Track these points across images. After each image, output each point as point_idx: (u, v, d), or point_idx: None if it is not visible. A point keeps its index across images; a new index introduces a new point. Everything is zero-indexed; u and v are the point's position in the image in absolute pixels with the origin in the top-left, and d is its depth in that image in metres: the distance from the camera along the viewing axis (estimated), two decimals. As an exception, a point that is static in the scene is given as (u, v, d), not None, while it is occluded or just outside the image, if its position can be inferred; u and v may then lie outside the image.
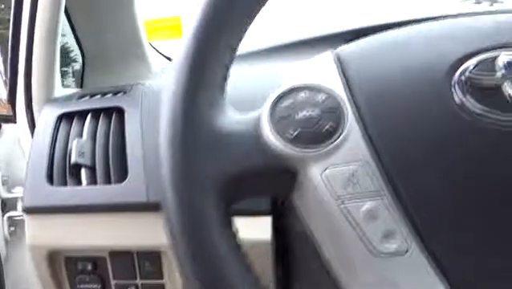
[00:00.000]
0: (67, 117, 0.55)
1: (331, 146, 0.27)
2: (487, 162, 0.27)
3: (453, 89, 0.28)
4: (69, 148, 0.51)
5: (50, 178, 0.49)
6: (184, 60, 0.28)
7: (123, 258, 0.50)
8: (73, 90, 0.76)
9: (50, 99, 0.59)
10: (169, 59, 1.01)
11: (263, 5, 0.32)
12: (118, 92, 0.62)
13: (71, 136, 0.52)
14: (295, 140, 0.28)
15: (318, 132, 0.28)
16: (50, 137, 0.52)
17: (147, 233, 0.49)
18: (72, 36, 0.80)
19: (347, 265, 0.27)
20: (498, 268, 0.26)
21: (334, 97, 0.29)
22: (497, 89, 0.28)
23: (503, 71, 0.28)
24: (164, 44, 1.04)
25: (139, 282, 0.51)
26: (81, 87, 0.86)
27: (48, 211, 0.48)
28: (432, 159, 0.27)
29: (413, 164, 0.27)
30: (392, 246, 0.26)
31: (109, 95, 0.57)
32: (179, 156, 0.27)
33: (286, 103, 0.29)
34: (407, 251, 0.26)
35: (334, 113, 0.28)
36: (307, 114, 0.28)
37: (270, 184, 0.30)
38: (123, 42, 0.84)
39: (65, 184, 0.49)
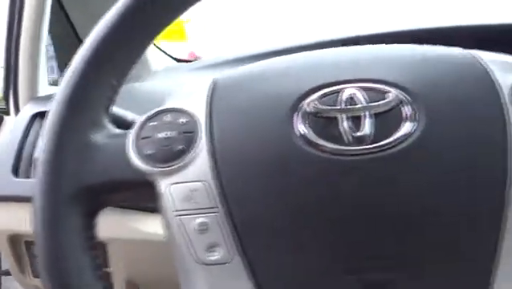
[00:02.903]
0: (41, 116, 0.61)
1: (178, 165, 0.30)
2: (317, 190, 0.28)
3: (295, 120, 0.30)
4: (37, 144, 0.58)
5: (15, 171, 0.55)
6: (69, 80, 0.33)
7: None
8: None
9: (32, 98, 0.66)
10: (174, 58, 1.06)
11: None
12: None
13: (40, 134, 0.58)
14: (150, 158, 0.31)
15: (170, 152, 0.31)
16: (21, 133, 0.58)
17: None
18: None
19: (183, 272, 0.30)
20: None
21: (194, 121, 0.31)
22: (335, 122, 0.29)
23: (342, 105, 0.30)
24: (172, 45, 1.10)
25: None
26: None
27: (11, 200, 0.55)
28: (265, 185, 0.29)
29: (248, 188, 0.29)
30: (214, 256, 0.29)
31: None
32: (48, 165, 0.31)
33: (153, 123, 0.32)
34: (229, 262, 0.29)
35: (188, 136, 0.31)
36: (166, 135, 0.31)
37: (133, 195, 0.33)
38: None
39: (28, 176, 0.56)
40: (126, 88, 0.88)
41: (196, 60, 1.06)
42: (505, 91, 0.30)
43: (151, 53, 0.96)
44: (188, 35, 1.00)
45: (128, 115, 0.43)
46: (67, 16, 0.83)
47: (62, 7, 0.81)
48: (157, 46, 1.03)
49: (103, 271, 0.33)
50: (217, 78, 0.35)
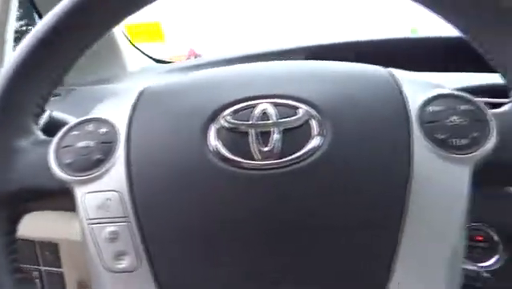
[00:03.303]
0: None
1: (94, 175, 0.31)
2: (225, 204, 0.29)
3: (209, 135, 0.31)
4: None
5: None
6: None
7: (27, 245, 0.56)
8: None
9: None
10: (153, 59, 1.07)
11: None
12: (57, 95, 0.68)
13: None
14: (69, 166, 0.32)
15: (88, 161, 0.31)
16: None
17: (45, 226, 0.56)
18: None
19: (94, 278, 0.31)
20: None
21: (114, 132, 0.32)
22: (246, 137, 0.30)
23: (254, 120, 0.30)
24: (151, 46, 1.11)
25: (42, 268, 0.58)
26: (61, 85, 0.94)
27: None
28: (175, 197, 0.30)
29: (159, 200, 0.30)
30: (122, 264, 0.30)
31: None
32: None
33: (75, 132, 0.33)
34: (135, 270, 0.30)
35: (107, 146, 0.32)
36: (85, 144, 0.32)
37: (53, 203, 0.34)
38: (98, 43, 0.90)
39: None
40: (99, 89, 0.89)
41: (175, 62, 1.06)
42: (413, 112, 0.31)
43: (128, 53, 0.97)
44: (165, 36, 1.00)
45: (69, 120, 0.44)
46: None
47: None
48: (136, 47, 1.04)
49: (23, 275, 0.33)
50: (144, 88, 0.36)
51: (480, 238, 0.49)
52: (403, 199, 0.29)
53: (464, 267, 0.34)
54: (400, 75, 0.34)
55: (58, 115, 0.44)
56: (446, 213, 0.29)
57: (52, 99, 0.71)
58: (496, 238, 0.48)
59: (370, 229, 0.29)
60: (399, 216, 0.28)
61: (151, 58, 1.03)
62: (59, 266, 0.57)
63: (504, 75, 0.33)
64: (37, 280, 0.57)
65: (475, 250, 0.49)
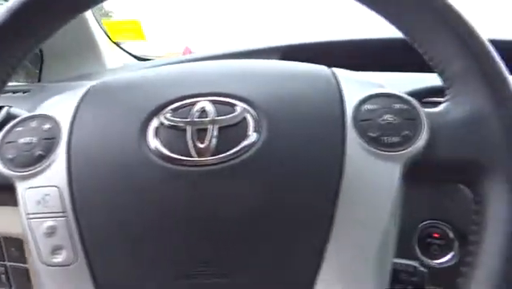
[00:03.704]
0: None
1: (36, 170, 0.31)
2: (160, 200, 0.29)
3: (148, 132, 0.31)
4: None
5: None
6: None
7: None
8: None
9: None
10: (134, 56, 1.07)
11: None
12: (26, 91, 0.69)
13: None
14: (11, 162, 0.32)
15: (30, 157, 0.32)
16: None
17: (10, 221, 0.56)
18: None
19: (36, 272, 0.32)
20: None
21: (57, 128, 0.33)
22: (184, 134, 0.31)
23: (192, 117, 0.31)
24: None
25: (7, 263, 0.58)
26: (39, 81, 0.94)
27: None
28: (112, 193, 0.30)
29: (96, 196, 0.30)
30: (58, 259, 0.30)
31: (9, 94, 0.63)
32: None
33: (19, 128, 0.34)
34: (71, 264, 0.30)
35: (49, 142, 0.32)
36: (28, 140, 0.33)
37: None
38: (77, 40, 0.91)
39: None
40: (70, 86, 0.89)
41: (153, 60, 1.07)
42: (349, 110, 0.31)
43: (107, 51, 0.97)
44: (145, 35, 1.01)
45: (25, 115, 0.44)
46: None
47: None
48: (117, 45, 1.04)
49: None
50: (92, 85, 0.36)
51: (436, 235, 0.50)
52: (334, 196, 0.29)
53: (401, 262, 0.35)
54: (342, 74, 0.35)
55: (16, 111, 0.44)
56: (375, 209, 0.29)
57: (22, 95, 0.71)
58: (451, 235, 0.49)
59: (300, 226, 0.29)
60: (330, 212, 0.29)
61: (132, 55, 1.03)
62: (25, 262, 0.58)
63: (441, 75, 0.33)
64: (2, 275, 0.57)
65: (432, 246, 0.50)
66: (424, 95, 0.54)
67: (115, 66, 1.00)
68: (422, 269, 0.35)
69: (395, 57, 0.74)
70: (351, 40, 0.79)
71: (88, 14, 0.90)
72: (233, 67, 0.36)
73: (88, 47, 0.93)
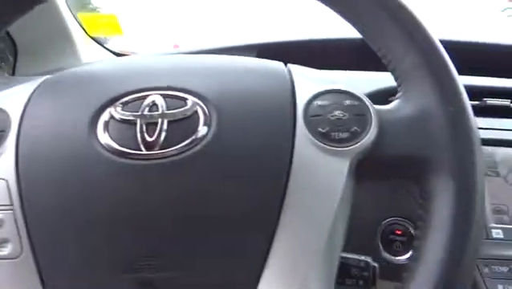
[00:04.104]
0: None
1: None
2: (106, 193, 0.29)
3: (98, 126, 0.31)
4: None
5: None
6: None
7: None
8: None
9: None
10: (112, 51, 1.06)
11: None
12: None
13: None
14: None
15: None
16: None
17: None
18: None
19: None
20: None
21: (8, 120, 0.32)
22: (134, 128, 0.30)
23: (143, 111, 0.31)
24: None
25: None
26: (13, 74, 0.93)
27: None
28: (60, 187, 0.30)
29: (43, 189, 0.30)
30: (4, 251, 0.30)
31: None
32: None
33: None
34: (18, 257, 0.29)
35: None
36: None
37: None
38: (51, 34, 0.90)
39: None
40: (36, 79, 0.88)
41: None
42: (300, 106, 0.32)
43: (82, 45, 0.96)
44: (123, 29, 1.00)
45: None
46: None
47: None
48: (94, 39, 1.03)
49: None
50: (47, 77, 0.36)
51: (398, 232, 0.50)
52: (281, 190, 0.29)
53: (352, 257, 0.35)
54: (297, 70, 0.35)
55: None
56: (323, 205, 0.30)
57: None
58: (413, 231, 0.49)
59: (247, 220, 0.29)
60: (277, 207, 0.29)
61: (110, 51, 1.02)
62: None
63: (392, 73, 0.33)
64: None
65: (394, 243, 0.51)
66: (391, 94, 0.54)
67: (92, 60, 0.99)
68: (374, 264, 0.35)
69: (373, 56, 0.75)
70: (329, 39, 0.79)
71: (63, 7, 0.89)
72: (186, 62, 0.36)
73: (63, 41, 0.92)
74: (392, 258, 0.50)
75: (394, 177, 0.34)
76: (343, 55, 0.73)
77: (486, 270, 0.44)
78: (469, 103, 0.31)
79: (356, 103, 0.32)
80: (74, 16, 0.94)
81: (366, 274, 0.34)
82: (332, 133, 0.31)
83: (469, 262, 0.28)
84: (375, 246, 0.51)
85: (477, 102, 0.56)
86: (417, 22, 0.32)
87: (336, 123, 0.31)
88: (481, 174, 0.29)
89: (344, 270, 0.34)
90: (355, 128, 0.31)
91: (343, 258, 0.34)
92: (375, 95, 0.34)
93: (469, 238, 0.28)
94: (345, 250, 0.39)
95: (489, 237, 0.47)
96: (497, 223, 0.48)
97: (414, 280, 0.28)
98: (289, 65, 0.36)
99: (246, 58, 0.36)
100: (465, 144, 0.30)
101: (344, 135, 0.31)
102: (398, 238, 0.50)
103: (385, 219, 0.50)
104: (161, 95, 0.31)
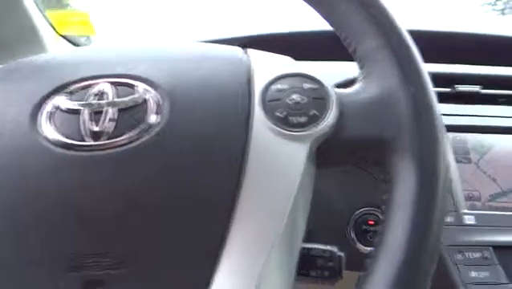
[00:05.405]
0: None
1: None
2: (45, 185, 0.28)
3: (40, 118, 0.29)
4: None
5: None
6: None
7: None
8: None
9: None
10: (76, 45, 1.03)
11: None
12: None
13: None
14: None
15: None
16: None
17: None
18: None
19: None
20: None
21: None
22: (78, 117, 0.29)
23: (89, 100, 0.29)
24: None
25: None
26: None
27: None
28: (1, 180, 0.28)
29: None
30: None
31: None
32: None
33: None
34: None
35: None
36: None
37: None
38: (19, 31, 0.87)
39: None
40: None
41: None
42: (258, 91, 0.30)
43: (51, 42, 0.94)
44: (95, 28, 0.97)
45: None
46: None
47: None
48: (64, 37, 1.00)
49: None
50: (2, 66, 0.34)
51: (371, 222, 0.50)
52: (236, 177, 0.28)
53: (317, 247, 0.34)
54: (256, 56, 0.33)
55: None
56: (280, 191, 0.28)
57: None
58: (384, 220, 0.48)
59: (201, 210, 0.28)
60: (232, 194, 0.28)
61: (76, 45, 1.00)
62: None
63: (354, 55, 0.32)
64: None
65: (368, 233, 0.50)
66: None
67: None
68: (340, 253, 0.34)
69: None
70: (314, 31, 0.78)
71: (31, 5, 0.86)
72: (139, 49, 0.34)
73: (32, 40, 0.89)
74: (366, 248, 0.49)
75: (356, 160, 0.33)
76: (323, 47, 0.72)
77: (459, 256, 0.43)
78: (430, 84, 0.30)
79: (316, 86, 0.31)
80: (43, 14, 0.91)
81: (331, 264, 0.33)
82: (290, 118, 0.29)
83: (431, 244, 0.27)
84: (348, 238, 0.50)
85: (448, 89, 0.56)
86: (380, 4, 0.32)
87: (294, 107, 0.30)
88: (444, 153, 0.28)
89: (309, 261, 0.33)
90: (314, 111, 0.30)
91: (307, 248, 0.33)
92: (346, 85, 0.33)
93: (431, 220, 0.27)
94: (318, 242, 0.38)
95: (461, 223, 0.46)
96: (469, 209, 0.48)
97: (376, 265, 0.27)
98: (248, 50, 0.34)
99: (204, 44, 0.35)
100: (427, 124, 0.29)
101: (303, 119, 0.29)
102: (371, 228, 0.49)
103: (357, 210, 0.49)
104: (110, 82, 0.30)
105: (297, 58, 0.36)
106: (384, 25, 0.31)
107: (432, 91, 0.30)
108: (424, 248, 0.27)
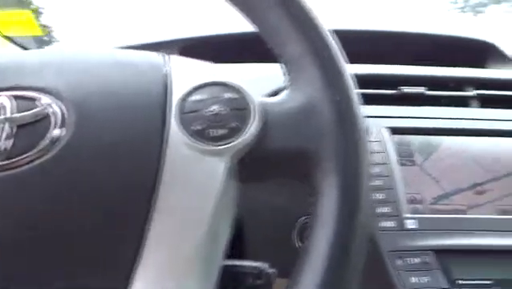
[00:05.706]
0: None
1: None
2: None
3: None
4: None
5: None
6: None
7: None
8: None
9: None
10: (25, 48, 0.99)
11: None
12: None
13: None
14: None
15: None
16: None
17: None
18: None
19: None
20: None
21: None
22: None
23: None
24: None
25: None
26: None
27: None
28: None
29: None
30: None
31: None
32: None
33: None
34: None
35: None
36: None
37: None
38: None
39: None
40: None
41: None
42: (175, 102, 0.28)
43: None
44: (41, 27, 0.93)
45: None
46: None
47: None
48: (9, 39, 0.96)
49: None
50: None
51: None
52: (149, 196, 0.26)
53: (244, 265, 0.33)
54: (177, 63, 0.31)
55: None
56: (197, 208, 0.27)
57: None
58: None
59: (111, 230, 0.26)
60: (144, 214, 0.26)
61: (22, 47, 0.95)
62: None
63: (279, 61, 0.31)
64: None
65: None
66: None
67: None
68: (270, 270, 0.33)
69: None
70: (247, 32, 0.76)
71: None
72: (48, 57, 0.31)
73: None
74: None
75: (280, 175, 0.32)
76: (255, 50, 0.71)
77: (400, 262, 0.43)
78: (355, 93, 0.29)
79: (236, 96, 0.29)
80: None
81: (260, 281, 0.32)
82: (209, 130, 0.28)
83: (353, 258, 0.26)
84: (292, 246, 0.49)
85: (393, 91, 0.55)
86: (303, 8, 0.30)
87: (214, 119, 0.28)
88: (366, 166, 0.28)
89: (236, 279, 0.32)
90: (235, 123, 0.28)
91: (234, 266, 0.32)
92: (275, 93, 0.31)
93: (353, 234, 0.26)
94: (261, 254, 0.37)
95: (403, 228, 0.46)
96: (412, 213, 0.47)
97: (299, 274, 0.26)
98: (171, 57, 0.32)
99: (119, 50, 0.32)
100: (350, 135, 0.28)
101: (222, 131, 0.28)
102: None
103: (300, 217, 0.48)
104: (8, 96, 0.27)
105: (232, 60, 0.34)
106: (309, 30, 0.30)
107: (357, 99, 0.29)
108: (346, 263, 0.26)
